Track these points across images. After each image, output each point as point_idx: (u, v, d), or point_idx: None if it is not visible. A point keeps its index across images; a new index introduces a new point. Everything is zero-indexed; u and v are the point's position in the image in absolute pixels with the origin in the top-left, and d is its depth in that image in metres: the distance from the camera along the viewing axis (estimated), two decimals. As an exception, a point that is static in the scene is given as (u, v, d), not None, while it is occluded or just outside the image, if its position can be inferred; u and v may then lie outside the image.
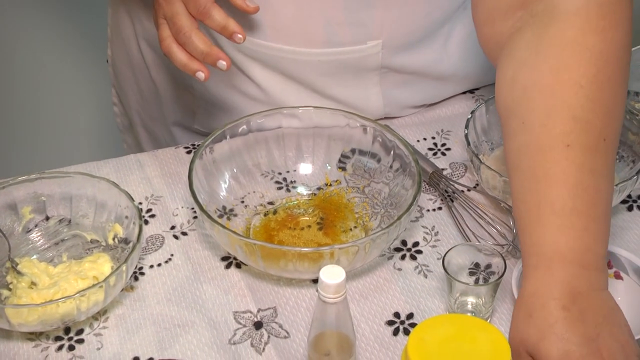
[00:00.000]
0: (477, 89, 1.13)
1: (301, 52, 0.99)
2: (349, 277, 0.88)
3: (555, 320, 0.75)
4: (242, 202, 0.96)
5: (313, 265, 0.84)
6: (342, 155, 1.00)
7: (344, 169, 1.00)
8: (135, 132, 1.21)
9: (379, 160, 0.98)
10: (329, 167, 1.00)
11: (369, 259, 0.87)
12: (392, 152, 0.96)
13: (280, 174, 0.99)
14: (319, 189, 0.98)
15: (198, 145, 0.96)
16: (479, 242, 0.93)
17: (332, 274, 0.72)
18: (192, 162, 0.91)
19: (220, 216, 0.93)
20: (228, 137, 0.95)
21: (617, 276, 0.86)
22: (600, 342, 0.74)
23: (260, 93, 1.04)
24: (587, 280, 0.77)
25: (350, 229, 0.94)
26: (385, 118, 1.09)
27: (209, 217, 0.85)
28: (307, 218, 0.95)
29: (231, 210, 0.95)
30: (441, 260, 0.84)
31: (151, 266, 0.91)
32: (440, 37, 1.03)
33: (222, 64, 0.90)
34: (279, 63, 1.01)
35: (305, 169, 1.00)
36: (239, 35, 0.90)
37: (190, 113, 1.11)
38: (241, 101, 1.05)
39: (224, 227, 0.85)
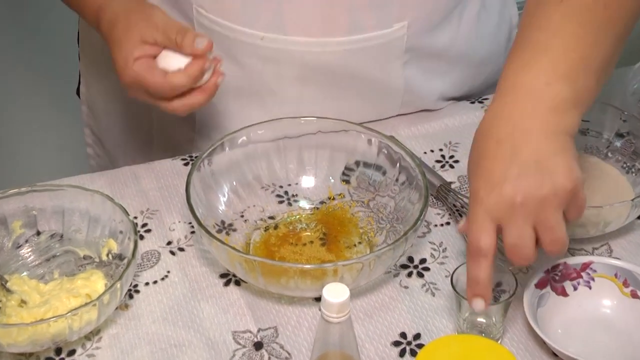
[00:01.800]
0: (485, 98, 1.15)
1: (325, 42, 1.00)
2: (353, 295, 0.88)
3: (485, 154, 0.79)
4: (242, 216, 0.97)
5: (316, 283, 0.85)
6: (345, 168, 1.01)
7: (347, 182, 1.01)
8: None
9: (384, 173, 0.99)
10: (332, 180, 1.01)
11: (374, 277, 0.88)
12: (397, 165, 0.97)
13: (281, 187, 1.00)
14: (321, 202, 1.00)
15: (196, 157, 0.97)
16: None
17: (335, 292, 0.73)
18: (189, 175, 0.92)
19: (219, 231, 0.94)
20: (227, 148, 0.96)
21: (635, 295, 0.87)
22: (515, 186, 0.75)
23: (274, 102, 1.05)
24: (536, 117, 0.78)
25: (355, 245, 0.95)
26: (398, 115, 1.10)
27: (207, 232, 0.86)
28: (309, 233, 0.96)
29: (230, 225, 0.96)
30: (449, 278, 0.85)
31: (147, 283, 0.92)
32: (456, 14, 1.06)
33: (202, 40, 0.89)
34: (299, 61, 1.02)
35: (307, 182, 1.01)
36: (218, 79, 0.92)
37: (188, 140, 1.12)
38: (252, 115, 1.06)
39: (222, 242, 0.86)
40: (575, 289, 0.88)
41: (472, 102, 1.15)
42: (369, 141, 0.98)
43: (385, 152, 0.98)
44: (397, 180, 0.97)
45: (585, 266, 0.89)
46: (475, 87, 1.14)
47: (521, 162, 0.77)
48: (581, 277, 0.88)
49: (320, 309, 0.73)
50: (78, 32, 1.18)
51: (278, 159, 1.00)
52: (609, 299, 0.87)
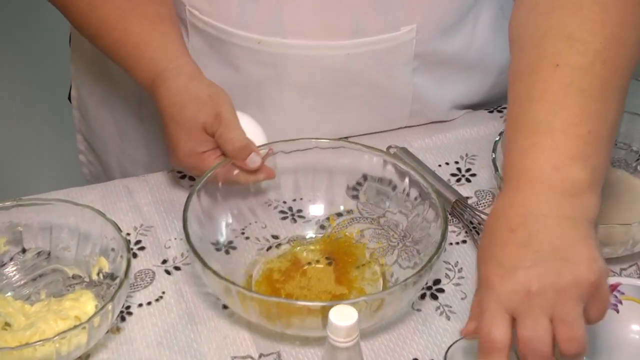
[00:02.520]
0: (505, 107, 1.14)
1: (327, 46, 1.00)
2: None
3: (497, 241, 0.76)
4: (243, 233, 0.97)
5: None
6: (356, 183, 1.01)
7: (356, 197, 1.00)
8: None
9: (394, 188, 0.98)
10: (335, 203, 0.99)
11: (394, 312, 0.87)
12: (407, 179, 0.96)
13: (284, 202, 1.00)
14: (322, 227, 0.98)
15: (192, 184, 0.95)
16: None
17: (342, 315, 0.72)
18: (186, 211, 0.90)
19: (218, 249, 0.93)
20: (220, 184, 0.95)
21: None
22: (531, 273, 0.72)
23: (273, 110, 1.05)
24: (549, 203, 0.76)
25: (365, 271, 0.93)
26: (406, 127, 1.10)
27: (211, 270, 0.84)
28: (315, 265, 0.94)
29: (230, 242, 0.95)
30: (446, 351, 0.80)
31: (140, 305, 0.91)
32: (470, 19, 1.05)
33: (255, 159, 0.94)
34: (299, 66, 1.01)
35: (310, 206, 0.99)
36: (255, 158, 0.94)
37: None
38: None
39: (221, 277, 0.84)
40: None
41: (490, 112, 1.14)
42: (372, 160, 0.97)
43: (392, 167, 0.97)
44: (408, 195, 0.96)
45: (613, 288, 0.88)
46: (491, 97, 1.14)
47: (537, 249, 0.73)
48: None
49: (327, 333, 0.73)
50: (70, 35, 1.18)
51: (273, 188, 0.99)
52: (638, 323, 0.86)
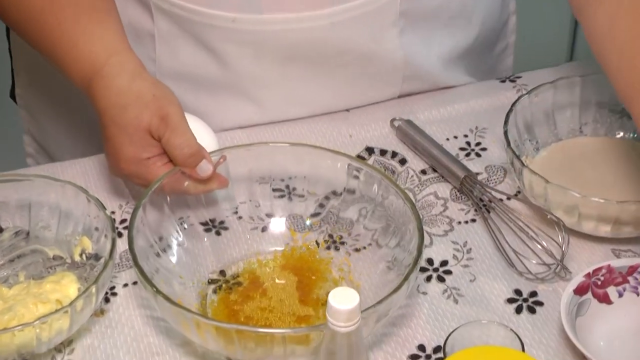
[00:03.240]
0: (519, 77, 1.14)
1: (307, 17, 0.99)
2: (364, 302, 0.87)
3: None
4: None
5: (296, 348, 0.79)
6: (357, 156, 0.99)
7: (323, 205, 0.95)
8: None
9: (402, 162, 0.97)
10: (294, 218, 0.95)
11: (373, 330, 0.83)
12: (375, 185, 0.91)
13: (237, 213, 0.95)
14: (282, 240, 0.94)
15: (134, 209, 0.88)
16: (521, 261, 0.92)
17: (343, 298, 0.72)
18: (131, 226, 0.85)
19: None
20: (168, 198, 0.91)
21: None
22: None
23: (256, 91, 1.04)
24: None
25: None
26: (411, 97, 1.09)
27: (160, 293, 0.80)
28: (276, 282, 0.90)
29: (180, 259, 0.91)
30: (444, 341, 0.79)
31: (125, 285, 0.91)
32: None
33: (206, 167, 0.91)
34: (280, 43, 1.01)
35: (262, 220, 0.95)
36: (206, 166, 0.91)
37: None
38: (231, 110, 1.05)
39: (174, 303, 0.80)
40: (620, 295, 0.88)
41: (502, 81, 1.13)
42: (335, 164, 0.93)
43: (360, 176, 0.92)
44: (382, 199, 0.91)
45: (633, 270, 0.88)
46: (475, 49, 1.12)
47: None
48: (627, 282, 0.88)
49: (326, 316, 0.73)
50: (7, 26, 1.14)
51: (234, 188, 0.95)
52: None
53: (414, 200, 0.99)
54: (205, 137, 0.93)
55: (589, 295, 0.87)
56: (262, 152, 0.94)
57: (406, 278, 0.82)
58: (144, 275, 0.82)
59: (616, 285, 0.87)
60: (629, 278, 0.88)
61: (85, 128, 1.12)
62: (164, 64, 1.04)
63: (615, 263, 0.88)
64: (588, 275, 0.87)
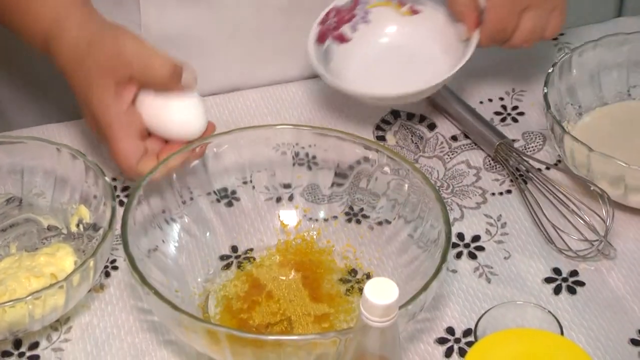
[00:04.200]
0: (561, 34, 1.13)
1: None
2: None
3: None
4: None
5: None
6: (381, 121, 0.99)
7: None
8: None
9: (432, 127, 0.97)
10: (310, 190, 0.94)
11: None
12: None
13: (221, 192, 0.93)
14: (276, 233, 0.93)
15: (131, 193, 0.87)
16: (561, 237, 0.92)
17: (380, 291, 0.69)
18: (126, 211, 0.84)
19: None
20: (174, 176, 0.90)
21: (414, 11, 1.02)
22: None
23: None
24: None
25: (344, 280, 0.89)
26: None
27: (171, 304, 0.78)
28: (279, 279, 0.89)
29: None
30: (476, 321, 0.80)
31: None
32: None
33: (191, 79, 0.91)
34: None
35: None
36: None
37: None
38: (217, 82, 1.05)
39: (177, 309, 0.77)
40: (354, 29, 1.01)
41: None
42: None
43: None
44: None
45: (356, 2, 1.01)
46: None
47: None
48: (355, 15, 1.01)
49: (360, 307, 0.71)
50: None
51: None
52: (390, 25, 1.02)
53: (444, 169, 0.99)
54: (197, 114, 0.92)
55: (330, 40, 0.99)
56: (285, 132, 0.93)
57: (444, 259, 0.80)
58: (150, 287, 0.80)
59: (348, 22, 1.00)
60: (356, 11, 1.01)
61: (41, 92, 1.12)
62: (151, 28, 1.03)
63: (339, 2, 1.01)
64: (322, 22, 0.99)
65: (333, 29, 1.00)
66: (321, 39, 0.99)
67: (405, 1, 1.02)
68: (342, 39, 1.00)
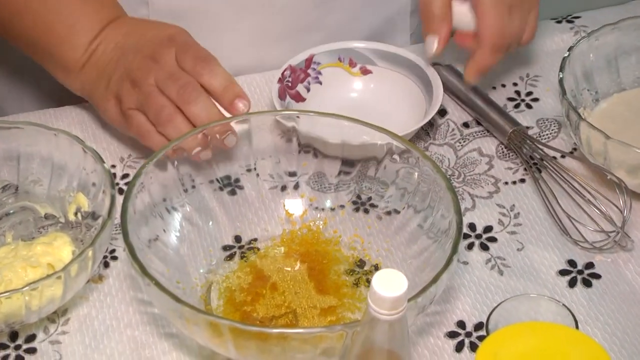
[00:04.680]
0: (577, 17, 1.13)
1: None
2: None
3: None
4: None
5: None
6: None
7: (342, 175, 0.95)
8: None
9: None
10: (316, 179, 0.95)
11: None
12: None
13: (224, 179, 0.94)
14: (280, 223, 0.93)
15: (131, 180, 0.86)
16: (576, 227, 0.92)
17: (389, 283, 0.70)
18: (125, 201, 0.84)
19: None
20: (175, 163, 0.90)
21: (365, 71, 1.04)
22: None
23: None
24: None
25: (351, 272, 0.90)
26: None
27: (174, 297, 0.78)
28: (284, 270, 0.89)
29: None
30: (488, 315, 0.80)
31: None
32: None
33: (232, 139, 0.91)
34: None
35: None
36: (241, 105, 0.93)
37: None
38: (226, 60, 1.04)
39: (179, 300, 0.77)
40: (308, 90, 1.02)
41: (558, 22, 1.13)
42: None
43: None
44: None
45: (309, 62, 1.03)
46: None
47: None
48: (309, 75, 1.03)
49: (367, 299, 0.72)
50: None
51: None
52: (342, 85, 1.04)
53: (455, 157, 0.99)
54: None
55: (288, 99, 1.01)
56: (290, 118, 0.93)
57: (454, 251, 0.80)
58: (143, 270, 0.80)
59: (302, 81, 1.02)
60: (309, 71, 1.03)
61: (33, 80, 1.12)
62: (157, 3, 1.04)
63: (294, 61, 1.02)
64: (280, 80, 1.00)
65: (289, 88, 1.01)
66: (282, 95, 1.00)
67: (356, 62, 1.04)
68: (298, 98, 1.01)
